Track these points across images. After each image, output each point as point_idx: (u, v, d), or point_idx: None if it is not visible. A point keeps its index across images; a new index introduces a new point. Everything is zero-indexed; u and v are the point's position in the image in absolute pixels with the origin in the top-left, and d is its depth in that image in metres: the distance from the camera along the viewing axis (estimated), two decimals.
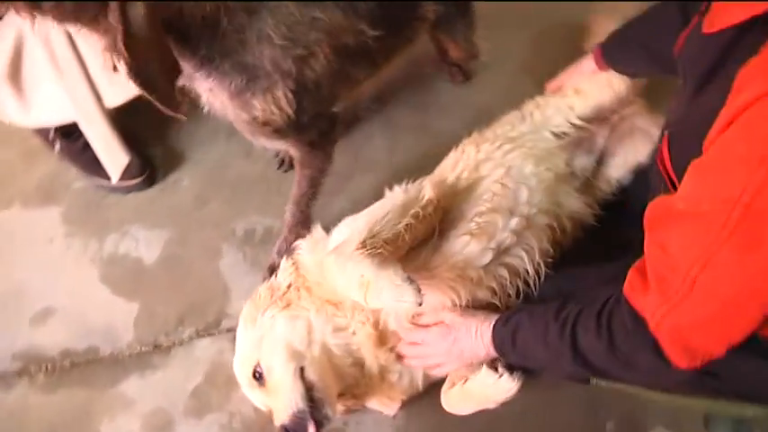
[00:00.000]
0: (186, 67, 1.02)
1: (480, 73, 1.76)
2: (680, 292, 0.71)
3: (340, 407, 1.14)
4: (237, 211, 1.56)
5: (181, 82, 1.06)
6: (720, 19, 0.73)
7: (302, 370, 1.04)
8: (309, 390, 1.02)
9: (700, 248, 0.67)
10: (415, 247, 1.07)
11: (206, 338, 1.41)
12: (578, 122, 1.24)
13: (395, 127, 1.71)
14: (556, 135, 1.24)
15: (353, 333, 1.08)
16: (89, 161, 1.54)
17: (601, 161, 1.31)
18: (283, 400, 1.02)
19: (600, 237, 1.31)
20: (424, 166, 1.27)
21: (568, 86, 1.30)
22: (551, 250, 1.10)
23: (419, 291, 0.90)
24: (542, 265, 1.07)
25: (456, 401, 1.12)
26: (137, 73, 0.86)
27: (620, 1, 1.42)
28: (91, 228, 1.55)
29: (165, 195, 1.61)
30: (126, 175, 1.56)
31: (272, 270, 1.38)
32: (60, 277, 1.50)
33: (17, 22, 1.16)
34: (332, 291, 1.10)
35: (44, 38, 1.34)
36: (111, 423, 1.31)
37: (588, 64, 1.31)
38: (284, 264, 1.19)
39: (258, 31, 1.00)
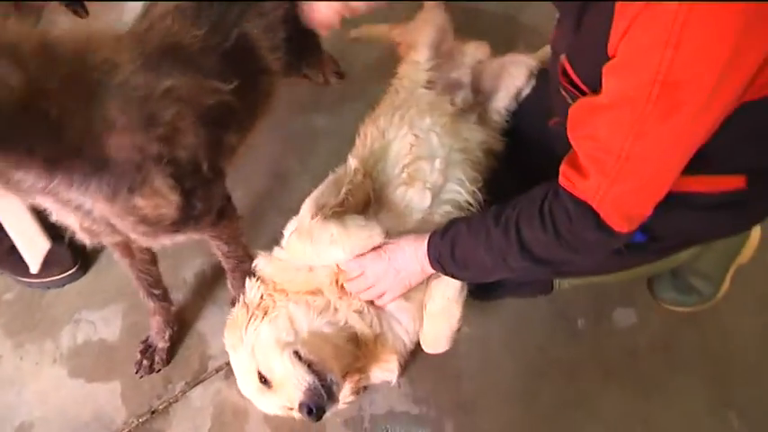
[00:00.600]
0: (41, 184, 0.89)
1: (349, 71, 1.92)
2: (616, 167, 0.87)
3: (348, 387, 1.23)
4: (179, 261, 1.60)
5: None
6: None
7: (297, 353, 1.11)
8: (309, 365, 1.10)
9: (629, 126, 0.83)
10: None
11: (199, 386, 1.45)
12: (429, 66, 1.43)
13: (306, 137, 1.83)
14: (427, 87, 1.42)
15: (336, 310, 1.17)
16: (18, 261, 1.52)
17: (488, 97, 1.49)
18: (292, 385, 1.09)
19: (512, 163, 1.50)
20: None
21: (405, 45, 1.52)
22: (479, 177, 1.26)
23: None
24: (477, 192, 1.22)
25: (429, 336, 1.24)
26: None
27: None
28: (40, 330, 1.53)
29: (103, 274, 1.62)
30: (59, 269, 1.56)
31: (234, 303, 1.45)
32: (23, 391, 1.47)
33: None
34: (304, 281, 1.20)
35: None
36: None
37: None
38: (249, 283, 1.27)
39: (102, 118, 0.90)
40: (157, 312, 1.42)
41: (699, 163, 0.89)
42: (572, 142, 0.96)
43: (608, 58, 0.85)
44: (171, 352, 1.48)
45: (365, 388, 1.35)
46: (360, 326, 1.18)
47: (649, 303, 1.56)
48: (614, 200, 0.91)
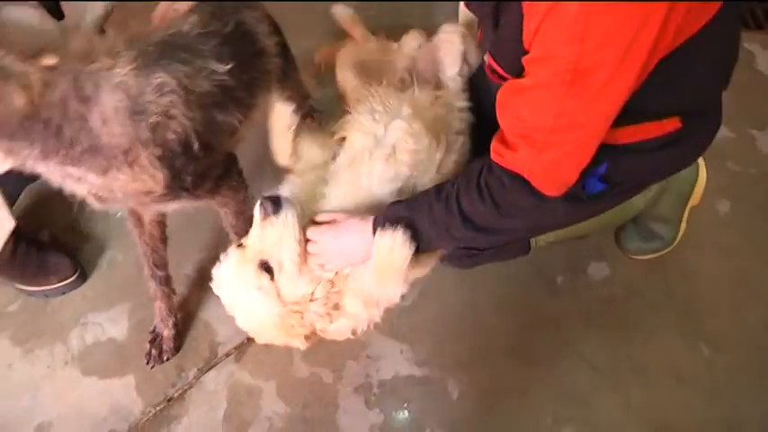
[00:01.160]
0: (50, 163, 1.03)
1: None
2: (542, 141, 1.03)
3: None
4: (180, 258, 1.68)
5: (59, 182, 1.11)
6: None
7: None
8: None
9: (549, 106, 0.99)
10: None
11: (211, 371, 1.54)
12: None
13: None
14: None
15: None
16: (20, 267, 1.58)
17: (438, 70, 1.66)
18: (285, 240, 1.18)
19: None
20: None
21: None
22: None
23: None
24: None
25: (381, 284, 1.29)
26: None
27: None
28: (48, 336, 1.59)
29: (105, 277, 1.69)
30: (59, 277, 1.63)
31: None
32: (38, 394, 1.52)
33: None
34: None
35: None
36: None
37: None
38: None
39: (101, 114, 1.02)
40: (159, 298, 1.50)
41: (639, 115, 1.08)
42: (500, 122, 1.11)
43: (524, 51, 1.01)
44: (178, 340, 1.56)
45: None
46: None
47: (618, 256, 1.74)
48: (542, 169, 1.06)
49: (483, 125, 1.59)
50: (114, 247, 1.73)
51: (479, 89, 1.58)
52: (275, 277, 1.19)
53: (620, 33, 0.89)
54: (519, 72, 1.06)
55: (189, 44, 1.15)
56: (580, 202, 1.23)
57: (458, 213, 1.14)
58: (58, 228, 1.76)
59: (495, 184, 1.10)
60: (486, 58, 1.17)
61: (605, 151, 1.09)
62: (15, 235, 1.59)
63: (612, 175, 1.22)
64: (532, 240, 1.60)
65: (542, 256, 1.71)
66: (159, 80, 1.07)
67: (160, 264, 1.47)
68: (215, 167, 1.28)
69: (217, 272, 1.27)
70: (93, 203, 1.20)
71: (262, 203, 1.17)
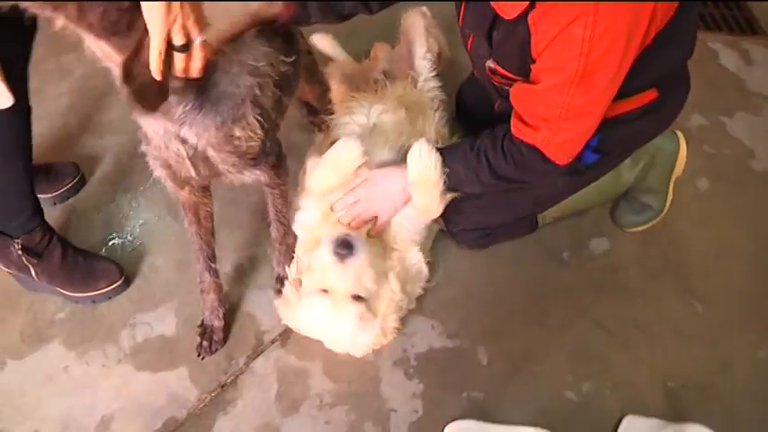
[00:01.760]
0: (178, 108, 1.20)
1: None
2: (557, 125, 1.31)
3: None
4: (220, 257, 1.78)
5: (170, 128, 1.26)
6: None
7: None
8: None
9: (561, 101, 1.26)
10: None
11: (259, 357, 1.69)
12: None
13: None
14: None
15: None
16: (68, 274, 1.70)
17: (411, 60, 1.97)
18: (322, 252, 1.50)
19: None
20: None
21: None
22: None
23: None
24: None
25: (420, 204, 1.57)
26: (135, 89, 1.04)
27: None
28: (99, 338, 1.71)
29: (149, 280, 1.83)
30: (108, 281, 1.75)
31: (280, 280, 1.72)
32: (97, 391, 1.63)
33: None
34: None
35: None
36: None
37: None
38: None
39: (239, 62, 1.25)
40: (212, 289, 1.65)
41: (624, 92, 1.33)
42: (518, 107, 1.38)
43: (525, 58, 1.29)
44: (226, 331, 1.71)
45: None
46: None
47: (616, 231, 1.98)
48: (556, 146, 1.35)
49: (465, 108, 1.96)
50: (153, 254, 1.87)
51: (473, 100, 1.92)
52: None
53: (617, 44, 1.15)
54: (522, 72, 1.33)
55: (268, 39, 1.37)
56: (577, 172, 1.52)
57: (486, 164, 1.43)
58: (96, 241, 1.89)
59: (515, 151, 1.39)
60: (491, 65, 1.44)
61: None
62: (62, 242, 1.72)
63: (604, 145, 1.48)
64: (539, 218, 1.82)
65: (548, 235, 1.94)
66: (264, 48, 1.32)
67: (212, 257, 1.63)
68: (276, 144, 1.50)
69: (299, 315, 1.56)
70: (172, 184, 1.43)
71: (336, 251, 1.45)
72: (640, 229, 1.93)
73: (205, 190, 1.56)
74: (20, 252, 1.67)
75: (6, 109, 1.34)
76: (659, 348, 1.75)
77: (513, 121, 1.40)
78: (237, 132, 1.30)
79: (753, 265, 1.92)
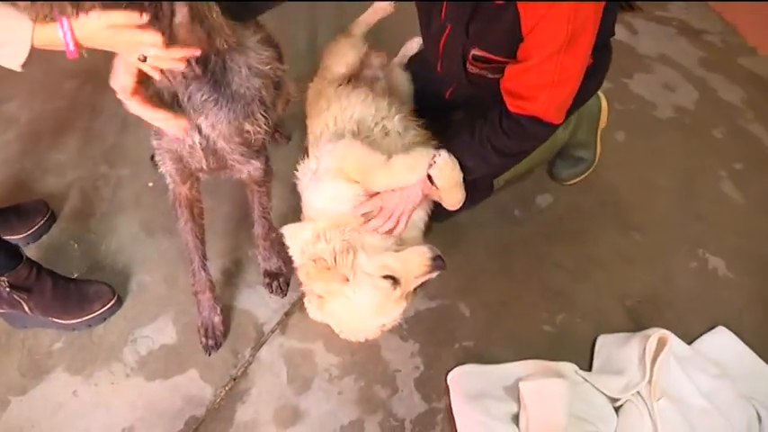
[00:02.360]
0: (196, 99, 1.38)
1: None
2: (551, 90, 1.54)
3: None
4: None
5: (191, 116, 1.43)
6: None
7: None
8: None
9: (554, 67, 1.50)
10: None
11: (263, 347, 1.82)
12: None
13: None
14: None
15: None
16: (62, 302, 1.76)
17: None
18: (417, 257, 1.61)
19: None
20: None
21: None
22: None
23: None
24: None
25: (449, 201, 1.75)
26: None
27: None
28: (103, 359, 1.77)
29: (140, 298, 1.91)
30: (102, 302, 1.82)
31: (269, 274, 1.87)
32: (111, 408, 1.70)
33: None
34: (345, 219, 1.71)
35: None
36: None
37: None
38: (302, 251, 1.73)
39: (247, 65, 1.41)
40: (207, 288, 1.78)
41: None
42: (513, 88, 1.61)
43: (514, 39, 1.52)
44: (226, 325, 1.84)
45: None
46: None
47: (556, 186, 2.29)
48: (555, 108, 1.59)
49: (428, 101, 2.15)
50: (139, 273, 1.96)
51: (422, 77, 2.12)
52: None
53: (591, 10, 1.43)
54: (510, 53, 1.58)
55: (269, 45, 1.55)
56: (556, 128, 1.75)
57: (491, 149, 1.66)
58: (79, 273, 1.95)
59: (515, 126, 1.62)
60: (474, 51, 1.67)
61: None
62: (51, 274, 1.79)
63: None
64: (495, 182, 2.07)
65: (499, 198, 2.20)
66: (268, 52, 1.49)
67: (205, 254, 1.76)
68: (267, 141, 1.66)
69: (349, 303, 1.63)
70: (178, 177, 1.58)
71: (437, 265, 1.60)
72: (577, 180, 2.24)
73: (199, 187, 1.72)
74: (8, 290, 1.72)
75: None
76: (612, 275, 2.04)
77: (507, 100, 1.62)
78: (247, 127, 1.49)
79: (672, 194, 2.29)
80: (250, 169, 1.59)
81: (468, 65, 1.73)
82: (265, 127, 1.51)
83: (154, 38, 1.16)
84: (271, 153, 1.73)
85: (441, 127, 1.93)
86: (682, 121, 2.59)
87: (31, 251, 1.97)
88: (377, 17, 2.22)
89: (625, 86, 2.67)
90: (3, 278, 1.71)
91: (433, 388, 1.76)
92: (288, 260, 1.81)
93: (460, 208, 2.04)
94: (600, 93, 2.14)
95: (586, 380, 1.74)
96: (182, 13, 1.19)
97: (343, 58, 2.09)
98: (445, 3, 1.68)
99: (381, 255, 1.64)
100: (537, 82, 1.53)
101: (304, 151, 1.96)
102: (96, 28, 1.16)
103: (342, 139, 1.81)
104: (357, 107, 1.92)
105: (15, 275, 1.73)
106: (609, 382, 1.73)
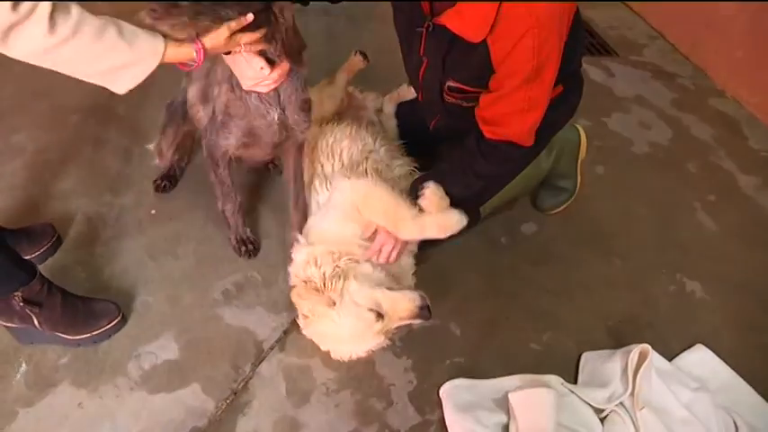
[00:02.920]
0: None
1: None
2: (521, 114, 1.76)
3: None
4: (205, 287, 2.10)
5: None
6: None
7: (389, 288, 1.83)
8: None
9: (523, 96, 1.72)
10: None
11: (263, 362, 1.92)
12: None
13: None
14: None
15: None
16: (71, 318, 1.86)
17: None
18: (405, 302, 1.77)
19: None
20: None
21: None
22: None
23: None
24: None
25: (443, 227, 1.92)
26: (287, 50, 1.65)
27: None
28: (107, 373, 1.86)
29: (144, 317, 2.01)
30: (109, 318, 1.92)
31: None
32: (116, 419, 1.77)
33: None
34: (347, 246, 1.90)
35: None
36: None
37: None
38: (296, 266, 1.92)
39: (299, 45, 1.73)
40: (238, 207, 2.16)
41: None
42: (488, 116, 1.82)
43: (485, 71, 1.74)
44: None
45: None
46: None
47: (540, 215, 2.47)
48: (527, 129, 1.81)
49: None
50: (142, 294, 2.07)
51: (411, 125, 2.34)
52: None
53: (555, 42, 1.65)
54: (482, 84, 1.78)
55: None
56: (529, 150, 1.93)
57: (473, 174, 1.87)
58: (86, 293, 2.04)
59: (492, 151, 1.83)
60: (450, 83, 1.89)
61: None
62: (61, 290, 1.90)
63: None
64: (482, 210, 2.23)
65: (486, 226, 2.37)
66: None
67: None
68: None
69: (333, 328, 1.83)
70: (270, 138, 1.91)
71: (422, 314, 1.79)
72: (559, 209, 2.42)
73: None
74: (21, 304, 1.82)
75: None
76: (595, 298, 2.20)
77: (483, 128, 1.83)
78: (307, 96, 1.90)
79: (650, 223, 2.48)
80: (305, 135, 1.95)
81: (444, 95, 1.93)
82: (312, 99, 1.92)
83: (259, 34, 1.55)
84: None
85: (427, 160, 2.13)
86: (657, 156, 2.82)
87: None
88: (355, 68, 2.47)
89: (604, 125, 2.90)
90: (17, 294, 1.83)
91: (427, 401, 1.87)
92: None
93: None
94: (579, 127, 2.35)
95: (572, 391, 1.87)
96: (288, 15, 1.59)
97: (321, 105, 2.34)
98: (424, 39, 1.88)
99: (374, 288, 1.81)
100: (509, 110, 1.73)
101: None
102: (220, 37, 1.43)
103: (360, 177, 2.02)
104: (344, 142, 2.11)
105: (29, 290, 1.83)
106: (593, 393, 1.86)
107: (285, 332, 2.01)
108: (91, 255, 2.19)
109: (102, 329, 1.92)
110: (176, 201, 2.44)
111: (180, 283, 2.11)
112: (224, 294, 2.10)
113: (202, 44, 1.42)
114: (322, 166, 2.18)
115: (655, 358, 1.93)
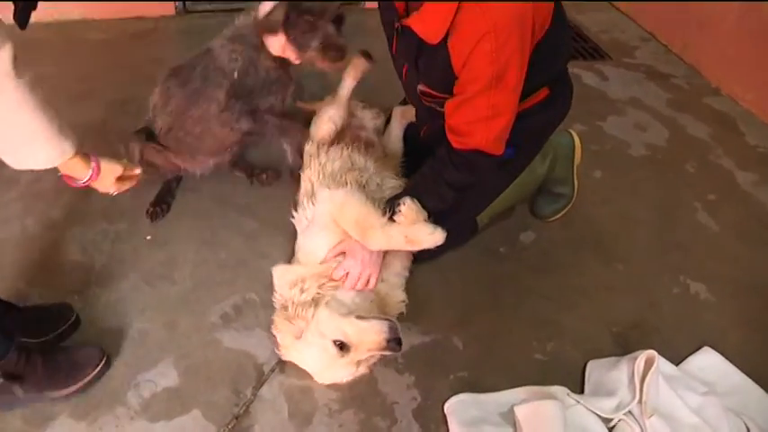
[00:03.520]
0: None
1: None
2: (485, 122, 1.74)
3: None
4: (203, 311, 2.09)
5: None
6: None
7: (359, 317, 1.79)
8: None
9: (486, 102, 1.70)
10: None
11: (264, 386, 1.91)
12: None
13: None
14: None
15: None
16: (53, 377, 1.79)
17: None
18: (373, 334, 1.74)
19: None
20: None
21: None
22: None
23: None
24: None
25: (419, 238, 1.87)
26: None
27: None
28: (106, 404, 1.84)
29: (141, 344, 2.01)
30: (93, 364, 1.87)
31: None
32: None
33: None
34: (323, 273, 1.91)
35: None
36: None
37: None
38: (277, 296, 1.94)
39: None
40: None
41: (524, 92, 1.80)
42: (454, 124, 1.81)
43: (449, 77, 1.73)
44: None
45: None
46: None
47: (538, 223, 2.46)
48: (494, 138, 1.78)
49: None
50: (138, 321, 2.07)
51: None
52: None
53: (516, 47, 1.63)
54: (448, 90, 1.77)
55: None
56: (504, 166, 1.97)
57: (445, 184, 1.84)
58: (82, 322, 2.05)
59: (462, 161, 1.80)
60: (422, 88, 1.89)
61: None
62: (41, 351, 1.84)
63: (517, 138, 1.93)
64: (478, 220, 2.23)
65: (484, 236, 2.37)
66: None
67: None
68: None
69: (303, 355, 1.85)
70: None
71: (390, 347, 1.75)
72: (558, 216, 2.41)
73: None
74: (1, 379, 1.77)
75: None
76: (598, 304, 2.18)
77: (450, 138, 1.81)
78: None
79: (651, 226, 2.47)
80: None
81: (421, 98, 1.93)
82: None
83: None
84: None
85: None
86: (655, 157, 2.82)
87: None
88: (359, 71, 2.44)
89: (599, 128, 2.90)
90: None
91: (431, 418, 1.86)
92: None
93: (444, 248, 2.21)
94: (572, 131, 2.35)
95: (579, 402, 1.85)
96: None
97: (320, 127, 2.36)
98: (395, 39, 1.88)
99: (343, 318, 1.79)
100: (472, 117, 1.71)
101: (293, 204, 2.19)
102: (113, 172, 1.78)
103: (340, 187, 2.00)
104: (336, 162, 2.12)
105: (4, 364, 1.75)
106: (600, 402, 1.84)
107: None
108: (86, 282, 2.18)
109: (88, 378, 1.86)
110: (171, 225, 2.45)
111: (177, 308, 2.11)
112: (222, 318, 2.09)
113: (98, 166, 1.52)
114: (312, 184, 2.18)
115: (661, 363, 1.92)
